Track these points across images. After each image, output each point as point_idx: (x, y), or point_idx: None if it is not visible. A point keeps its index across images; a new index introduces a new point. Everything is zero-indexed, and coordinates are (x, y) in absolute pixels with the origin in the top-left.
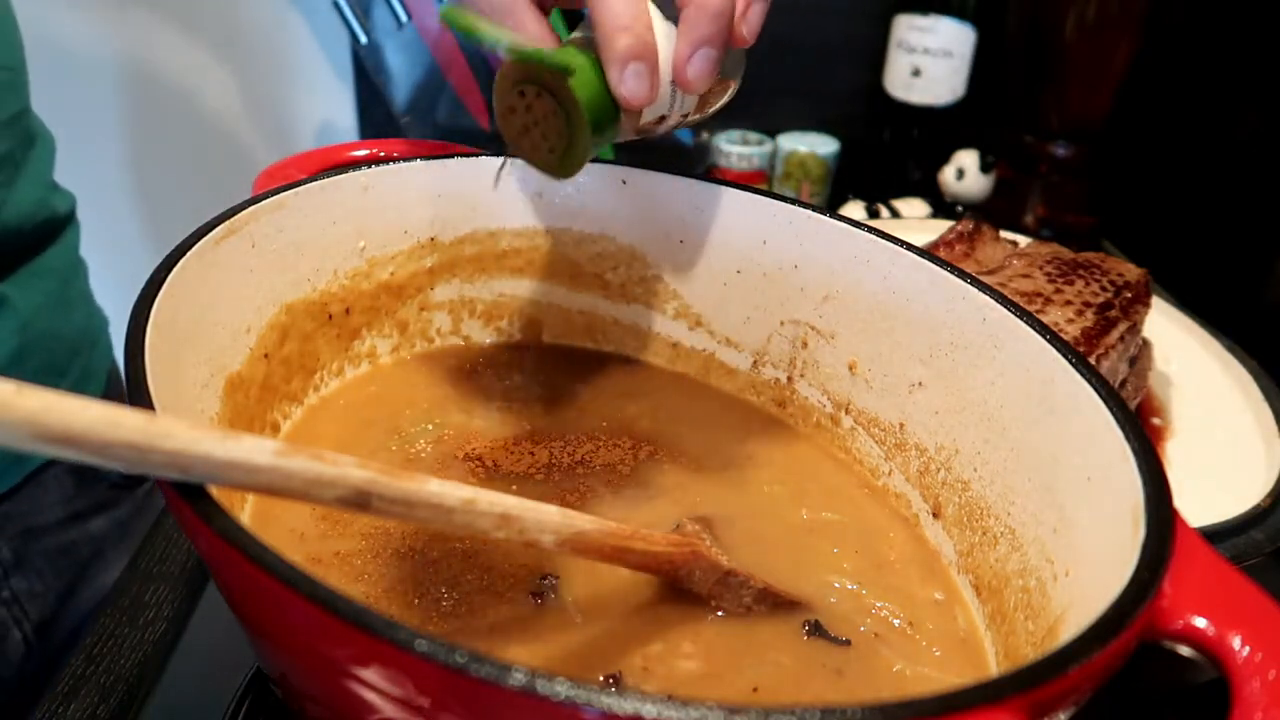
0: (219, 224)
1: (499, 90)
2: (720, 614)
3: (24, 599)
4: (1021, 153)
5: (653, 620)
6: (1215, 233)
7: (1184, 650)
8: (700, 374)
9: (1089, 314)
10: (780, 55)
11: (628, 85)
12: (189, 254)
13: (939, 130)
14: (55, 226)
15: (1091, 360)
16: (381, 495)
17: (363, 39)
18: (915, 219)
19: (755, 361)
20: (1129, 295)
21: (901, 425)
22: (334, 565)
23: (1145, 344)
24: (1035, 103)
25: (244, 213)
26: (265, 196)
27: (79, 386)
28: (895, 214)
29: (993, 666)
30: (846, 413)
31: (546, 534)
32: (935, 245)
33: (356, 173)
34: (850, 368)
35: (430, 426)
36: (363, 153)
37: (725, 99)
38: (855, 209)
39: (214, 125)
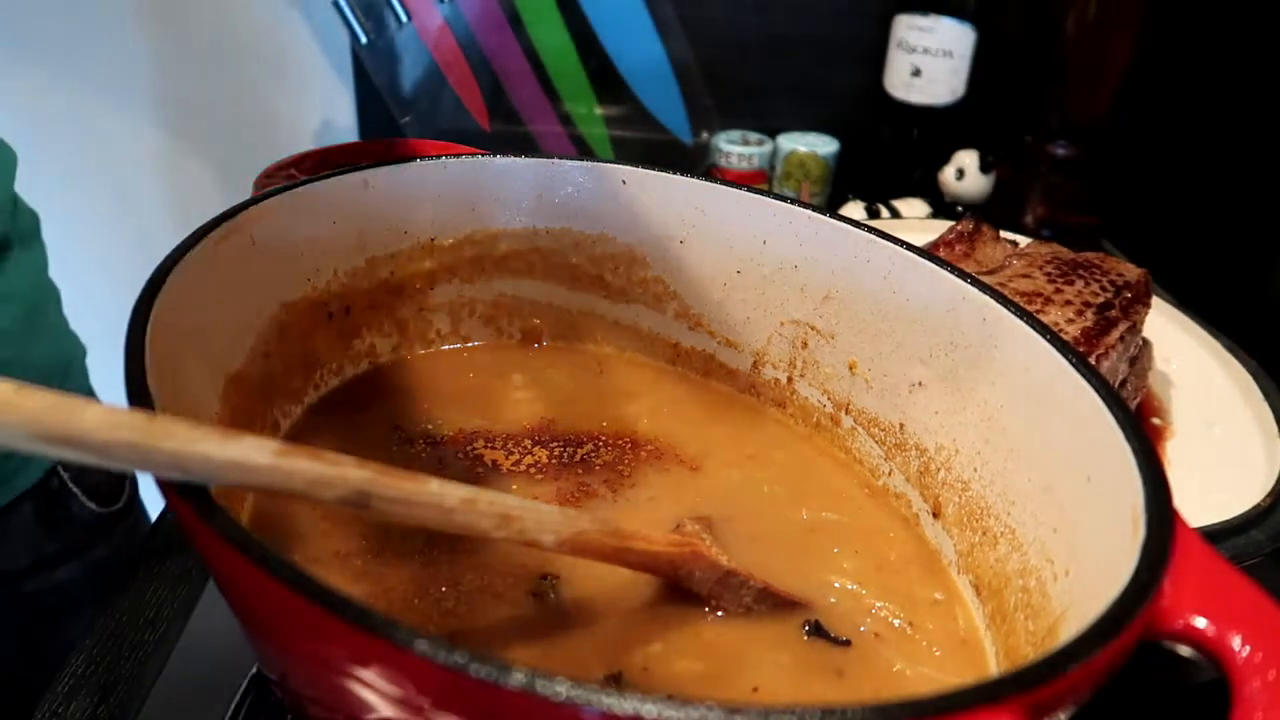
0: (219, 224)
1: None
2: (720, 614)
3: None
4: (1021, 153)
5: (653, 620)
6: (1215, 233)
7: (1184, 650)
8: (700, 374)
9: (1089, 314)
10: (780, 55)
11: None
12: (189, 254)
13: (939, 130)
14: (12, 244)
15: (1091, 360)
16: (381, 495)
17: (363, 39)
18: (915, 219)
19: (755, 362)
20: (1129, 295)
21: (901, 425)
22: (334, 565)
23: (1145, 344)
24: (1035, 103)
25: (244, 213)
26: (265, 196)
27: None
28: (895, 214)
29: (993, 666)
30: (846, 413)
31: (546, 534)
32: (935, 245)
33: (356, 173)
34: (850, 368)
35: (430, 426)
36: None
37: None
38: (855, 209)
39: (214, 125)
